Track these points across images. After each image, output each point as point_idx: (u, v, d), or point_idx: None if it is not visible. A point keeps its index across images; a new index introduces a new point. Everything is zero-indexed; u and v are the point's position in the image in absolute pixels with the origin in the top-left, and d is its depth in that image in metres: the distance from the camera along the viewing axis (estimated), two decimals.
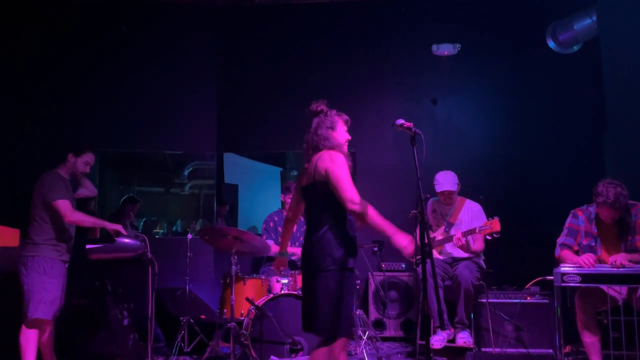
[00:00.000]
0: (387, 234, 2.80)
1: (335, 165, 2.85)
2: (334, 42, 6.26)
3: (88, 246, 3.73)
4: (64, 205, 3.69)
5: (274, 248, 4.84)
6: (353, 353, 4.64)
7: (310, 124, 3.11)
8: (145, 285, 3.90)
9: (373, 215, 2.78)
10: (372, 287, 5.39)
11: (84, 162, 3.92)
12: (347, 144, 3.10)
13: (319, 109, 3.11)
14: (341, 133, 3.08)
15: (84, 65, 5.82)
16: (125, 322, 3.92)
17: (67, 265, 3.83)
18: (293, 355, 4.04)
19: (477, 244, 4.47)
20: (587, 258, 3.44)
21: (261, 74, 6.29)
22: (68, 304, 3.88)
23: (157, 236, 7.78)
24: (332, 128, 3.04)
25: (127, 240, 3.75)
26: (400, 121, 2.86)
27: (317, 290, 2.81)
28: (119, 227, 3.77)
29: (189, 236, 4.84)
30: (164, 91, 6.08)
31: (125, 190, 7.35)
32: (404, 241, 2.75)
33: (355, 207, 2.78)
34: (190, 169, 8.77)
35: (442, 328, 4.19)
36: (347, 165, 2.90)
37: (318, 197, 2.95)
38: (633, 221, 3.63)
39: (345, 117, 3.11)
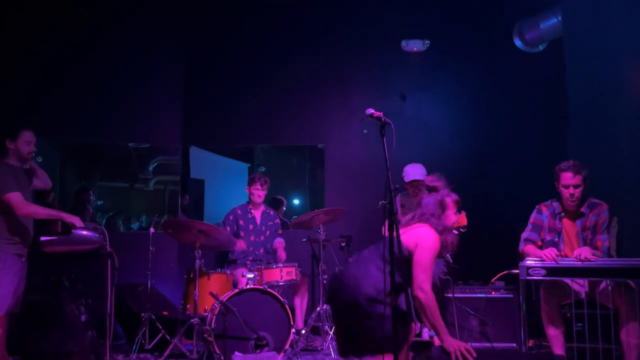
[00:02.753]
0: (439, 334, 2.79)
1: (427, 245, 2.80)
2: (303, 35, 6.21)
3: (42, 238, 3.56)
4: (15, 198, 3.51)
5: (240, 244, 4.76)
6: (319, 348, 4.60)
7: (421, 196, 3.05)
8: (105, 280, 3.74)
9: (433, 308, 2.73)
10: None
11: (25, 142, 3.71)
12: (453, 224, 3.04)
13: (433, 184, 3.04)
14: (450, 216, 3.01)
15: (43, 52, 5.59)
16: (83, 318, 3.75)
17: (24, 259, 3.66)
18: (258, 351, 3.95)
19: None
20: (549, 252, 3.47)
21: (228, 66, 6.19)
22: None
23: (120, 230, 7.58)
24: (444, 210, 2.97)
25: (84, 232, 3.59)
26: (370, 111, 2.81)
27: None
28: (76, 219, 3.61)
29: (152, 230, 4.69)
30: (128, 81, 5.91)
31: (88, 186, 7.13)
32: (454, 345, 2.72)
33: (421, 295, 2.73)
34: (155, 164, 8.57)
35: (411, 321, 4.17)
36: (439, 247, 2.84)
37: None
38: (595, 220, 3.68)
39: (455, 197, 3.04)
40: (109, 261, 3.68)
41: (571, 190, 3.63)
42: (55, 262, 3.80)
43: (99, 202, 8.09)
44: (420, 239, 2.81)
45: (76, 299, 3.84)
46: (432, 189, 3.01)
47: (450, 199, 2.99)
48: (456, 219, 4.12)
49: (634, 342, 3.34)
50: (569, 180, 3.61)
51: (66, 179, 7.99)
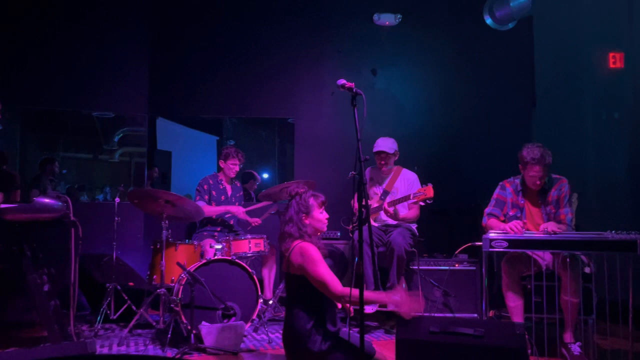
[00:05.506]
0: (380, 301, 2.79)
1: (309, 261, 2.76)
2: (274, 6, 6.09)
3: (2, 206, 3.44)
4: None
5: (206, 209, 4.73)
6: None
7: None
8: (68, 250, 3.66)
9: (359, 297, 2.66)
10: None
11: None
12: (324, 225, 2.99)
13: (296, 190, 2.99)
14: (317, 216, 2.95)
15: (5, 15, 5.33)
16: (46, 287, 3.66)
17: None
18: (225, 321, 3.97)
19: (413, 211, 4.55)
20: (515, 225, 3.58)
21: (197, 36, 6.04)
22: None
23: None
24: (308, 212, 2.93)
25: (46, 200, 3.49)
26: (342, 81, 2.81)
27: None
28: None
29: (117, 200, 4.61)
30: (92, 47, 5.71)
31: (54, 157, 6.92)
32: (396, 297, 2.73)
33: (345, 299, 2.69)
34: (121, 135, 8.36)
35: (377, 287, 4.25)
36: (319, 253, 2.81)
37: (294, 288, 2.88)
38: (557, 195, 3.80)
39: (322, 197, 2.99)
40: (73, 230, 3.60)
41: (537, 181, 3.73)
42: (16, 230, 3.68)
43: (63, 171, 7.89)
44: (299, 260, 2.80)
45: (38, 268, 3.75)
46: (294, 195, 2.99)
47: (315, 201, 2.97)
48: (423, 190, 4.21)
49: (574, 301, 3.54)
50: (536, 173, 3.70)
51: (27, 148, 7.74)
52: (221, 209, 4.86)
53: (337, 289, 2.71)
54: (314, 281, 2.76)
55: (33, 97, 5.65)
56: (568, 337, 3.61)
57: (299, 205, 2.93)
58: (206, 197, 4.87)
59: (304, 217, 2.92)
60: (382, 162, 4.65)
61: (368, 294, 2.71)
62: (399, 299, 2.73)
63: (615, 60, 5.12)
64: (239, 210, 4.90)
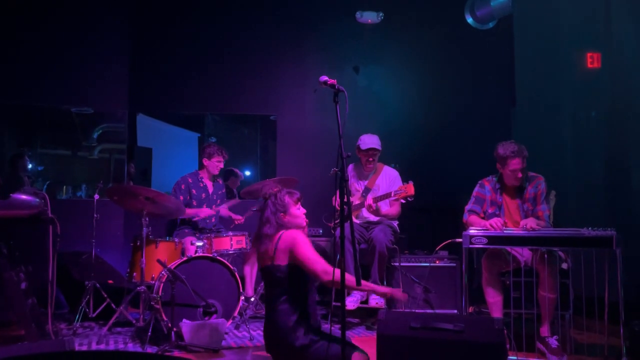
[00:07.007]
0: (372, 291, 2.80)
1: (299, 243, 2.80)
2: (257, 3, 6.07)
3: None
4: None
5: (188, 211, 4.68)
6: None
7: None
8: (46, 247, 3.60)
9: (346, 281, 2.68)
10: None
11: None
12: (303, 219, 3.00)
13: (272, 191, 2.99)
14: (294, 212, 2.97)
15: None
16: (23, 285, 3.60)
17: None
18: (206, 318, 3.95)
19: (394, 208, 4.58)
20: (496, 222, 3.63)
21: (178, 31, 5.99)
22: None
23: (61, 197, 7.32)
24: (285, 210, 2.94)
25: (23, 196, 3.43)
26: (324, 78, 2.80)
27: None
28: None
29: (96, 196, 4.54)
30: (71, 41, 5.62)
31: (23, 152, 6.79)
32: (385, 290, 2.84)
33: (328, 278, 2.72)
34: (100, 131, 8.24)
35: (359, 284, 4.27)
36: (307, 238, 2.85)
37: (279, 279, 2.86)
38: (534, 192, 3.86)
39: (297, 194, 3.01)
40: (51, 227, 3.54)
41: (518, 174, 3.79)
42: None
43: (39, 168, 7.77)
44: (290, 244, 2.82)
45: (15, 266, 3.69)
46: (269, 196, 3.00)
47: (290, 198, 2.99)
48: (404, 188, 4.24)
49: (552, 297, 3.59)
50: (517, 165, 3.77)
51: (4, 144, 7.58)
52: (191, 212, 4.74)
53: (324, 266, 2.75)
54: (302, 263, 2.77)
55: (9, 92, 5.54)
56: (545, 331, 3.67)
57: (276, 205, 2.94)
58: (181, 197, 4.77)
59: (282, 216, 2.92)
60: (371, 159, 4.67)
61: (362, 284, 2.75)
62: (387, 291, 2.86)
63: (592, 60, 5.19)
64: (207, 213, 4.78)
